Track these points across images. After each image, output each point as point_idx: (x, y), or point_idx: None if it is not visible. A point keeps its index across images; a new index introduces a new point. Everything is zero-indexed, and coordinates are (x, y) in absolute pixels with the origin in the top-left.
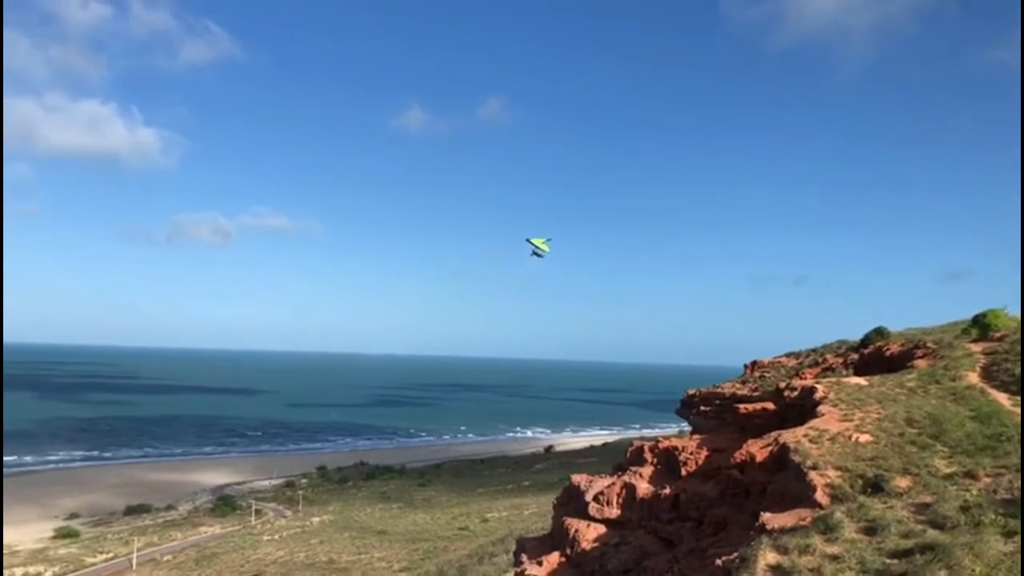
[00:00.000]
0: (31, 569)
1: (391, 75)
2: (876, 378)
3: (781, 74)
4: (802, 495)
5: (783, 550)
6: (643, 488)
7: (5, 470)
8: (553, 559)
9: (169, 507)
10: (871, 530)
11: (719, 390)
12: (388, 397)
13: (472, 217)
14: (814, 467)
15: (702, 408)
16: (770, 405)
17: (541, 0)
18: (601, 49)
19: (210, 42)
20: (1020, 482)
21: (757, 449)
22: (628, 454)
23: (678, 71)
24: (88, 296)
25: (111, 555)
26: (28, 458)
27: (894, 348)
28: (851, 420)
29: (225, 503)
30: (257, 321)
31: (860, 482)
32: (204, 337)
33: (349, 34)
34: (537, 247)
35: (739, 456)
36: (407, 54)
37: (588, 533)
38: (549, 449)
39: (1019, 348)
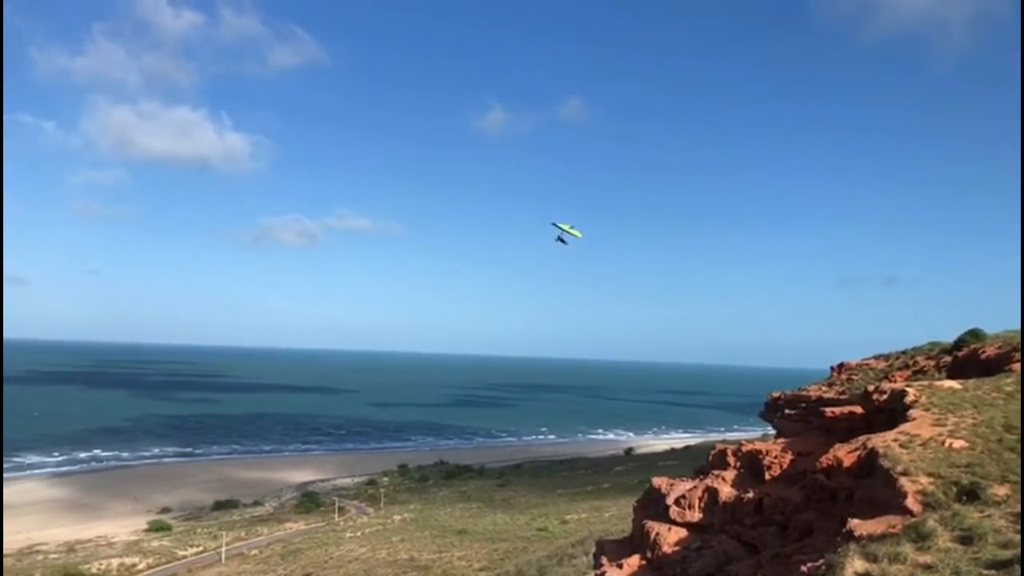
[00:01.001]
0: (127, 560)
1: (472, 76)
2: (971, 382)
3: (873, 69)
4: (892, 502)
5: (872, 558)
6: (726, 492)
7: (104, 465)
8: (633, 562)
9: (256, 503)
10: (966, 539)
11: (804, 393)
12: (468, 397)
13: (551, 217)
14: (904, 473)
15: (787, 411)
16: (858, 409)
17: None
18: (682, 46)
19: (296, 47)
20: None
21: (844, 454)
22: (710, 457)
23: (762, 67)
24: (179, 297)
25: (201, 549)
26: (124, 454)
27: (990, 351)
28: (944, 425)
29: (309, 500)
30: (340, 321)
31: (954, 489)
32: (289, 337)
33: (432, 37)
34: (567, 231)
35: (825, 461)
36: (488, 55)
37: (669, 536)
38: (629, 451)
39: None
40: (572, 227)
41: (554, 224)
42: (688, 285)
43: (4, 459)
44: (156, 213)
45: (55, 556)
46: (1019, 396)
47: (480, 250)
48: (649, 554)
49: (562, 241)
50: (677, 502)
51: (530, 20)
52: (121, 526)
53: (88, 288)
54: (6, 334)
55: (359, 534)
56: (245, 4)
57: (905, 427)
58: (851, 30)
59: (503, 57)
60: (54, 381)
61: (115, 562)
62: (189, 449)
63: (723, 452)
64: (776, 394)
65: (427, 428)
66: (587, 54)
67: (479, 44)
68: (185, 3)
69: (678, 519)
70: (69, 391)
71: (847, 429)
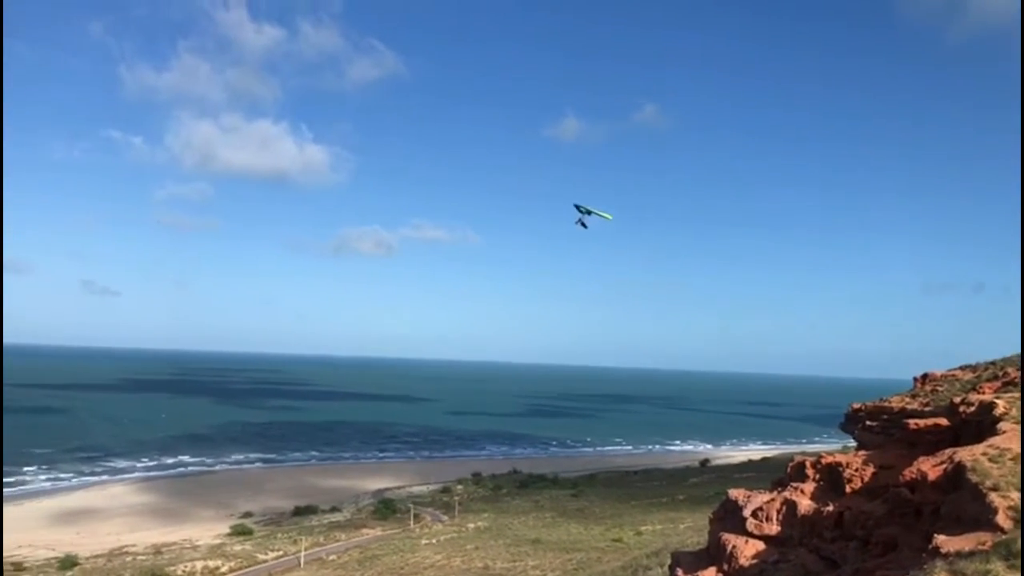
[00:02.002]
0: (210, 563)
1: (545, 85)
2: None
3: (959, 68)
4: (980, 517)
5: (959, 575)
6: (805, 505)
7: (190, 471)
8: (709, 574)
9: (334, 509)
10: None
11: (887, 404)
12: (543, 407)
13: (626, 227)
14: (994, 488)
15: (868, 423)
16: (943, 421)
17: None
18: (763, 47)
19: (375, 60)
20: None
21: (929, 467)
22: (789, 469)
23: (842, 69)
24: (261, 306)
25: (281, 553)
26: (208, 460)
27: None
28: None
29: (386, 507)
30: (417, 330)
31: None
32: (367, 345)
33: (507, 47)
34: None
35: (909, 474)
36: (562, 63)
37: (746, 549)
38: (705, 463)
39: None
40: (588, 214)
41: (576, 206)
42: (766, 294)
43: (97, 463)
44: (239, 225)
45: (143, 558)
46: None
47: (556, 258)
48: (725, 567)
49: (583, 225)
50: (754, 514)
51: (604, 32)
52: (205, 530)
53: (175, 298)
54: (99, 343)
55: (434, 541)
56: (324, 19)
57: (995, 440)
58: (937, 33)
59: (578, 64)
60: (143, 389)
61: (199, 565)
62: (271, 456)
63: (802, 464)
64: (857, 405)
65: (501, 437)
66: (664, 62)
67: (554, 53)
68: (267, 19)
69: (755, 532)
70: (157, 399)
71: (932, 442)
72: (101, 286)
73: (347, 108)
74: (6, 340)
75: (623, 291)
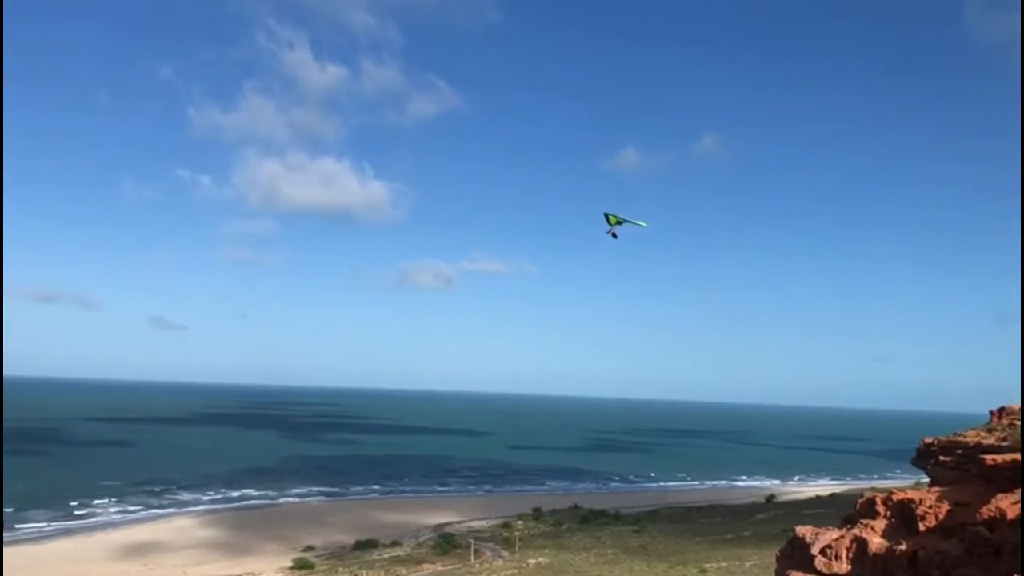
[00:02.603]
0: None
1: (603, 117)
2: None
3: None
4: None
5: None
6: (876, 543)
7: (253, 504)
8: None
9: (394, 543)
10: None
11: (961, 439)
12: (604, 441)
13: (688, 257)
14: None
15: (941, 458)
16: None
17: (756, 35)
18: (827, 87)
19: (435, 96)
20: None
21: (1008, 504)
22: (858, 506)
23: (906, 97)
24: (324, 340)
25: None
26: (272, 493)
27: None
28: None
29: (446, 541)
30: (476, 363)
31: None
32: (427, 378)
33: (564, 79)
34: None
35: (987, 512)
36: (619, 95)
37: None
38: (771, 498)
39: None
40: (620, 222)
41: (606, 215)
42: (831, 323)
43: (164, 496)
44: (302, 260)
45: None
46: None
47: (615, 290)
48: None
49: (613, 235)
50: (823, 552)
51: (662, 58)
52: (268, 563)
53: (239, 333)
54: (167, 378)
55: None
56: (386, 57)
57: None
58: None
59: (635, 95)
60: (209, 422)
61: None
62: (332, 489)
63: (872, 500)
64: (929, 440)
65: (561, 472)
66: (724, 89)
67: (612, 83)
68: (330, 58)
69: (824, 570)
70: (223, 432)
71: (1010, 478)
72: (169, 321)
73: (407, 144)
74: (80, 375)
75: (686, 323)
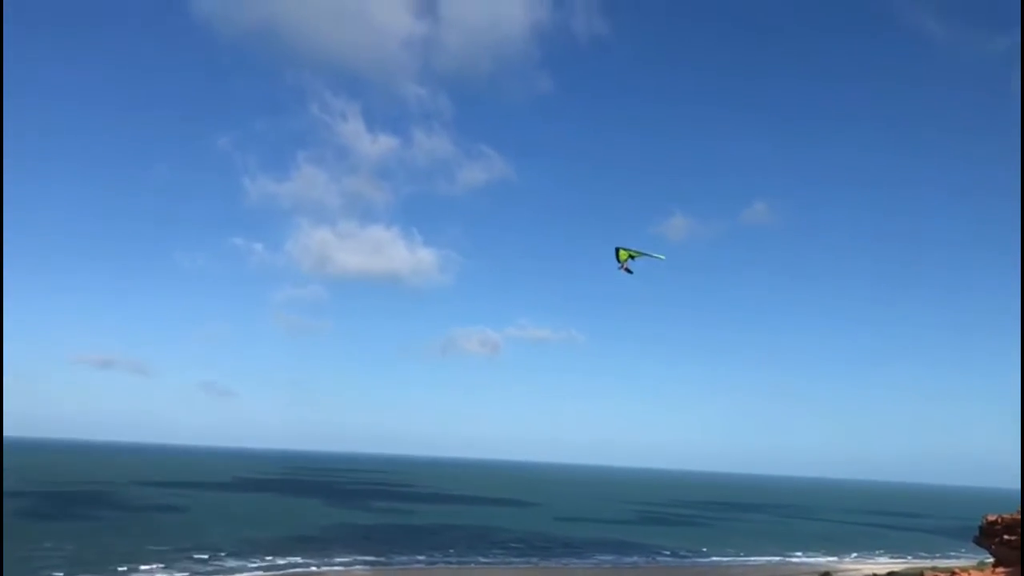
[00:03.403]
0: None
1: (651, 183)
2: None
3: None
4: None
5: None
6: None
7: (298, 571)
8: None
9: None
10: None
11: None
12: (654, 513)
13: (738, 326)
14: None
15: (1006, 537)
16: None
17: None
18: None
19: (485, 164)
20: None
21: None
22: None
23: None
24: (372, 406)
25: None
26: (315, 561)
27: None
28: None
29: None
30: (522, 431)
31: None
32: (473, 446)
33: (613, 147)
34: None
35: None
36: (667, 162)
37: None
38: (827, 575)
39: None
40: (633, 255)
41: (617, 250)
42: (895, 398)
43: (211, 563)
44: (351, 326)
45: None
46: None
47: (664, 359)
48: None
49: (628, 271)
50: None
51: (711, 123)
52: None
53: (288, 398)
54: (219, 443)
55: None
56: (436, 126)
57: None
58: None
59: (684, 162)
60: (257, 488)
61: None
62: (377, 558)
63: None
64: (992, 517)
65: (609, 545)
66: (775, 154)
67: (658, 150)
68: (382, 129)
69: None
70: (270, 498)
71: None
72: (220, 387)
73: (456, 211)
74: (134, 439)
75: (740, 393)
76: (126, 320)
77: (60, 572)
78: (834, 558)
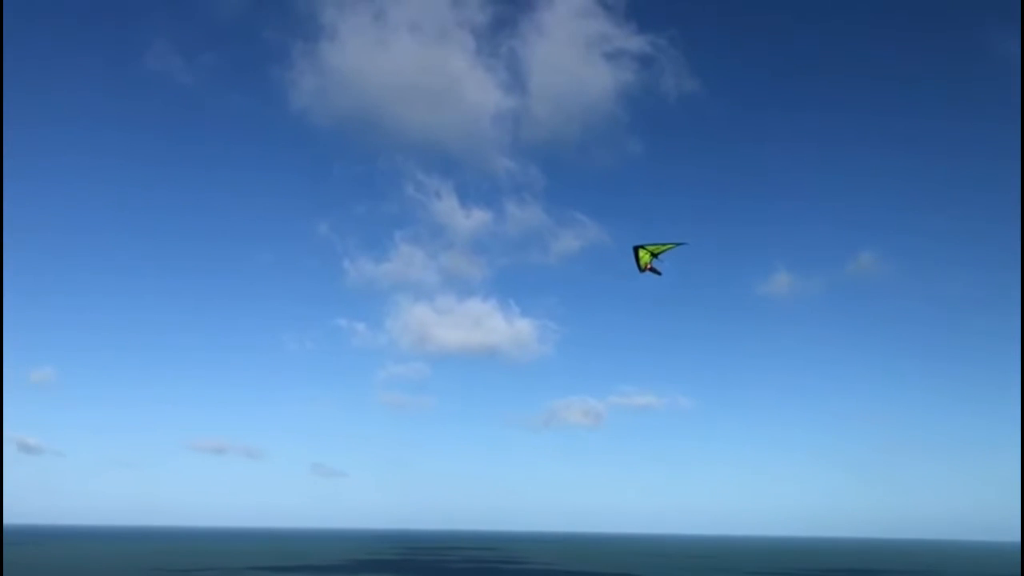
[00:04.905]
0: None
1: (753, 239)
2: None
3: None
4: None
5: None
6: None
7: None
8: None
9: None
10: None
11: None
12: None
13: (852, 385)
14: None
15: None
16: None
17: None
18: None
19: (578, 232)
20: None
21: None
22: None
23: None
24: (478, 482)
25: None
26: None
27: None
28: None
29: None
30: (631, 502)
31: None
32: (580, 519)
33: (705, 209)
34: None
35: None
36: (770, 216)
37: None
38: None
39: None
40: (661, 247)
41: (636, 250)
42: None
43: None
44: (453, 401)
45: None
46: None
47: (776, 422)
48: None
49: (655, 272)
50: None
51: (810, 175)
52: None
53: (395, 477)
54: (329, 524)
55: None
56: (527, 198)
57: None
58: None
59: (786, 216)
60: (367, 569)
61: None
62: None
63: None
64: None
65: None
66: (879, 204)
67: (756, 206)
68: (475, 204)
69: None
70: None
71: None
72: (329, 468)
73: (552, 280)
74: (247, 524)
75: (857, 454)
76: (239, 405)
77: None
78: None
